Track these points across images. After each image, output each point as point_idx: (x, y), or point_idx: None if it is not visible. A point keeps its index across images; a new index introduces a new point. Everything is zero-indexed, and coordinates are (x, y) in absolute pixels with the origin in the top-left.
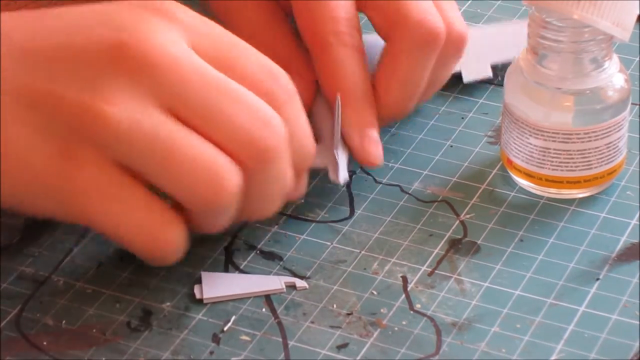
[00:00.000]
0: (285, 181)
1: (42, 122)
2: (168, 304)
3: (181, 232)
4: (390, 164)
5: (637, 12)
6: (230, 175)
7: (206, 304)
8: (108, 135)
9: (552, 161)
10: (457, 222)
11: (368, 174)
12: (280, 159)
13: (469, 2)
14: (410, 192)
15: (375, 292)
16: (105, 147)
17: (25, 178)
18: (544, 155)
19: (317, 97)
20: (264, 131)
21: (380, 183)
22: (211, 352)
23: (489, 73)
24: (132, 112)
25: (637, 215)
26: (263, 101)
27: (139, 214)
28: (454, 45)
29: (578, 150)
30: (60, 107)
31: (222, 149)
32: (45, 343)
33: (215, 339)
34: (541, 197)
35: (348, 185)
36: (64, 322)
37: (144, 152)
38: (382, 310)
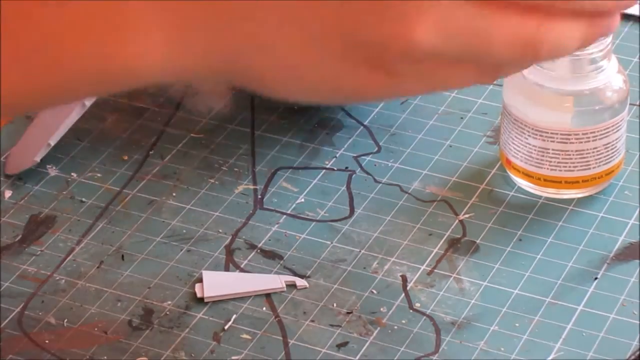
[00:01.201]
0: None
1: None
2: (169, 302)
3: None
4: (390, 164)
5: None
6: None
7: (207, 302)
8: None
9: (551, 161)
10: (456, 221)
11: (368, 173)
12: None
13: None
14: (409, 191)
15: (375, 291)
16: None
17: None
18: (542, 156)
19: None
20: None
21: (380, 183)
22: (212, 351)
23: None
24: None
25: (635, 215)
26: None
27: None
28: None
29: (576, 151)
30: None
31: None
32: (47, 341)
33: (216, 337)
34: (540, 197)
35: (348, 184)
36: (65, 320)
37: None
38: (381, 309)
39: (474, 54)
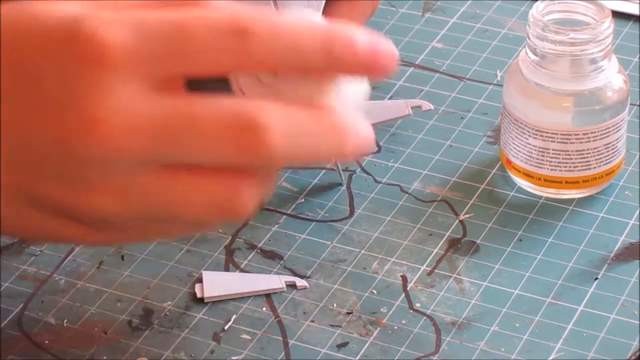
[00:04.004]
0: None
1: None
2: (169, 303)
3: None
4: (390, 164)
5: None
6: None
7: (207, 303)
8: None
9: (551, 161)
10: (457, 221)
11: (368, 173)
12: None
13: (469, 2)
14: (409, 191)
15: (375, 292)
16: None
17: None
18: (542, 156)
19: None
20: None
21: (380, 183)
22: (212, 351)
23: None
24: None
25: (636, 215)
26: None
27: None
28: None
29: (577, 151)
30: None
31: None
32: (47, 342)
33: (216, 337)
34: (540, 197)
35: (348, 184)
36: (65, 320)
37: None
38: (382, 309)
39: (168, 218)
